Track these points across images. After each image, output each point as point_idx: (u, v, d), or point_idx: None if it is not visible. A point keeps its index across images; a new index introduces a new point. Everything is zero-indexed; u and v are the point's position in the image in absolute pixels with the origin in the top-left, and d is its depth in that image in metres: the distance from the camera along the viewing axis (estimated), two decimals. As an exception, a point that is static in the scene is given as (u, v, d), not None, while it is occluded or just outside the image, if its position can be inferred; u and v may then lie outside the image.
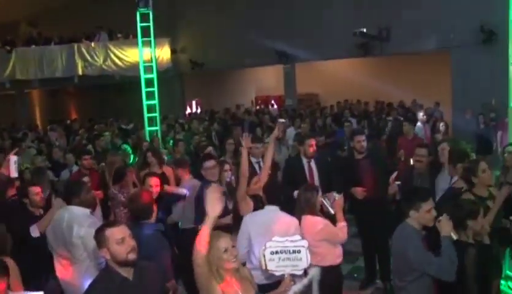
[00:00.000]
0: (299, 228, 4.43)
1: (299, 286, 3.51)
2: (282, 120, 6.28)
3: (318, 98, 20.12)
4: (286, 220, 4.47)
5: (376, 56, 15.67)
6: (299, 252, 3.44)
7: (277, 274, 3.45)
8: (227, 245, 3.13)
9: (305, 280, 3.59)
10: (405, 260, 3.79)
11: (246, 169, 4.99)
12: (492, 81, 11.03)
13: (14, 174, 5.44)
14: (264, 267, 3.46)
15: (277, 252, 3.43)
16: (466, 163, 5.12)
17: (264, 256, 3.44)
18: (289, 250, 3.45)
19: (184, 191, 5.65)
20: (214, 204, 3.04)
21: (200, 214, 5.32)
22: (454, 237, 3.78)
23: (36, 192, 5.10)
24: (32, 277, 5.03)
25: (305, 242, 3.47)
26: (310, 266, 3.58)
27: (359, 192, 6.12)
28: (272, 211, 4.54)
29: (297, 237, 3.50)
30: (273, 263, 3.43)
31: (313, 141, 6.24)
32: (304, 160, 6.26)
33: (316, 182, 6.08)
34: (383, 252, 6.08)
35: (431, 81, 15.57)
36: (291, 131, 10.81)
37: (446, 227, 3.74)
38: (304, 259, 3.43)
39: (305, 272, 3.59)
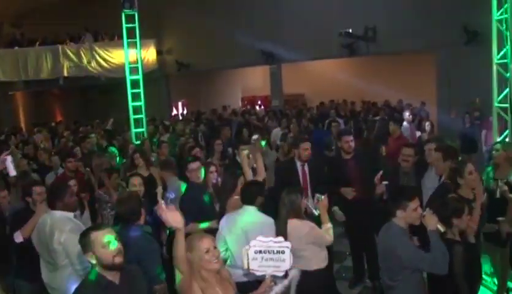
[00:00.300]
0: (274, 228, 4.44)
1: (279, 287, 3.50)
2: (256, 136, 6.30)
3: (305, 99, 20.16)
4: (261, 220, 4.51)
5: (362, 56, 15.73)
6: (283, 252, 3.41)
7: (259, 273, 3.43)
8: (209, 246, 3.14)
9: (285, 281, 3.57)
10: (395, 259, 3.81)
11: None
12: (477, 81, 11.13)
13: (13, 172, 5.46)
14: (246, 266, 3.43)
15: (260, 252, 3.40)
16: (453, 164, 5.18)
17: (247, 255, 3.41)
18: (274, 251, 3.41)
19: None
20: (172, 217, 3.18)
21: (185, 216, 5.32)
22: (442, 229, 3.82)
23: (39, 191, 5.08)
24: (18, 279, 5.02)
25: (289, 244, 3.45)
26: (291, 267, 3.56)
27: (348, 191, 6.14)
28: (248, 211, 4.57)
29: (281, 238, 3.49)
30: (256, 263, 3.40)
31: (308, 145, 6.17)
32: (298, 164, 6.20)
33: (309, 186, 6.07)
34: (371, 251, 6.09)
35: (417, 80, 15.65)
36: (277, 132, 10.82)
37: (431, 221, 3.78)
38: (287, 260, 3.41)
39: (286, 273, 3.56)
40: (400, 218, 3.87)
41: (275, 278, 3.47)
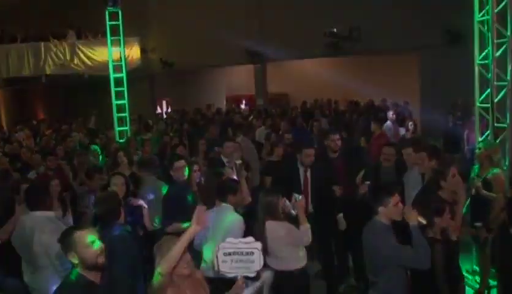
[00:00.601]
0: (243, 227, 4.46)
1: (250, 289, 3.48)
2: (239, 161, 6.31)
3: (289, 98, 20.19)
4: (230, 218, 4.54)
5: (347, 56, 15.81)
6: (252, 253, 3.38)
7: (230, 276, 3.41)
8: None
9: (257, 283, 3.56)
10: (379, 255, 3.86)
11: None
12: (459, 81, 11.26)
13: None
14: (216, 269, 3.41)
15: (230, 254, 3.37)
16: (436, 165, 5.26)
17: (217, 257, 3.39)
18: (243, 252, 3.39)
19: (144, 204, 5.54)
20: (201, 222, 3.16)
21: (168, 215, 5.31)
22: (423, 222, 3.86)
23: None
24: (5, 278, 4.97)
25: (258, 244, 3.42)
26: (263, 269, 3.54)
27: (335, 190, 6.13)
28: (220, 209, 4.63)
29: (251, 239, 3.47)
30: (226, 265, 3.37)
31: (311, 151, 6.05)
32: (301, 169, 6.09)
33: (310, 192, 6.01)
34: (357, 249, 6.09)
35: (401, 80, 15.77)
36: (261, 130, 10.82)
37: (411, 216, 3.83)
38: (257, 261, 3.39)
39: (259, 275, 3.55)
40: (382, 214, 3.91)
41: (247, 280, 3.46)
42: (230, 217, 4.57)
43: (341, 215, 6.01)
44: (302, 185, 6.03)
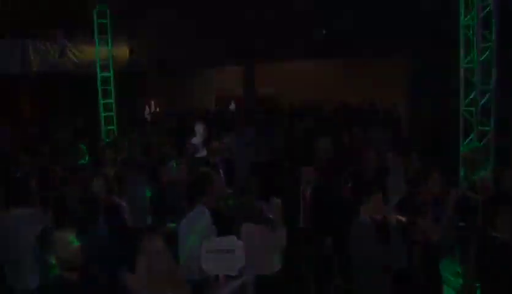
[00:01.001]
0: (213, 229, 4.38)
1: (231, 287, 3.50)
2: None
3: (279, 99, 20.21)
4: (203, 224, 4.41)
5: (337, 58, 15.86)
6: (233, 252, 3.42)
7: (212, 273, 3.44)
8: (159, 248, 3.13)
9: (238, 282, 3.57)
10: (362, 256, 3.92)
11: None
12: (447, 84, 11.36)
13: None
14: (203, 266, 3.43)
15: (212, 252, 3.41)
16: (419, 168, 5.32)
17: (200, 255, 3.41)
18: (224, 250, 3.42)
19: (124, 203, 5.51)
20: None
21: (156, 215, 5.32)
22: (402, 219, 3.91)
23: None
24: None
25: (240, 243, 3.46)
26: (246, 269, 3.56)
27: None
28: (195, 210, 4.54)
29: (233, 238, 3.49)
30: (208, 263, 3.41)
31: (309, 169, 6.01)
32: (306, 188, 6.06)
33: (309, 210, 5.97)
34: (343, 250, 6.09)
35: (390, 82, 15.87)
36: (251, 131, 10.83)
37: (391, 216, 3.90)
38: (238, 259, 3.43)
39: (240, 274, 3.57)
40: (364, 213, 3.94)
41: (228, 278, 3.48)
42: (203, 222, 4.46)
43: (330, 239, 5.92)
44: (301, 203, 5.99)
